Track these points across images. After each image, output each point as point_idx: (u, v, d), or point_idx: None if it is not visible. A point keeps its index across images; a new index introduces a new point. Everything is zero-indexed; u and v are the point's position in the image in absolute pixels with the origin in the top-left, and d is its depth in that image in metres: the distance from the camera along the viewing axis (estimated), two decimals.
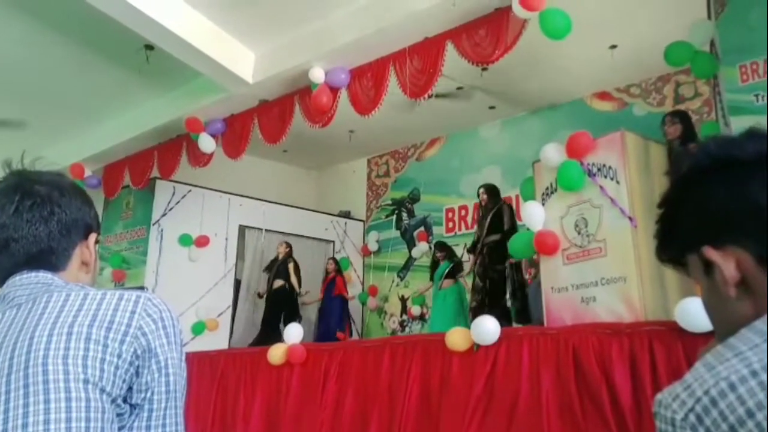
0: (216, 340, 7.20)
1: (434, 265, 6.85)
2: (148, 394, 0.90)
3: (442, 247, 6.78)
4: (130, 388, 0.89)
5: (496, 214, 5.84)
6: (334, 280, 7.76)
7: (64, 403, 0.83)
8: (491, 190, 6.04)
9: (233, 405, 5.43)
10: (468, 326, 4.06)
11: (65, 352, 0.86)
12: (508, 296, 5.83)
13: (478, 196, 6.10)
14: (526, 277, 6.01)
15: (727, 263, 0.69)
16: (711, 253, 0.70)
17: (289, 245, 7.74)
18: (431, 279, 6.87)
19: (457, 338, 3.99)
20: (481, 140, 8.16)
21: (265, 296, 7.68)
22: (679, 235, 0.76)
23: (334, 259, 8.08)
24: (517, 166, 7.06)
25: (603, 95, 7.06)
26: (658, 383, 3.11)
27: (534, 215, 4.30)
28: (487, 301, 5.58)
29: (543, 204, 4.32)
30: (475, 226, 6.39)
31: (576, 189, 4.10)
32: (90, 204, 1.08)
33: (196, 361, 6.04)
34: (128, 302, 0.93)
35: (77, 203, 1.04)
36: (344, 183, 9.66)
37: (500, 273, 5.72)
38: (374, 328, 8.60)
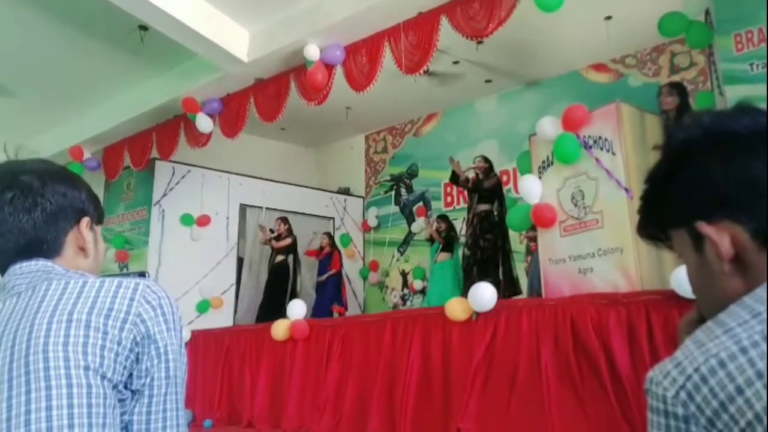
0: (220, 318, 7.25)
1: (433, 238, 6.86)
2: (148, 380, 0.90)
3: (443, 219, 6.78)
4: (130, 375, 0.90)
5: (492, 188, 5.85)
6: (330, 255, 7.75)
7: (65, 389, 0.83)
8: (488, 162, 6.06)
9: (239, 381, 5.50)
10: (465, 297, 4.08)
11: (65, 339, 0.86)
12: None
13: (474, 161, 6.10)
14: (530, 244, 6.02)
15: (722, 238, 0.68)
16: (705, 228, 0.69)
17: (287, 221, 7.73)
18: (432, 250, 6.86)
19: (456, 308, 4.02)
20: (478, 114, 8.11)
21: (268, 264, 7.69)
22: (668, 210, 0.75)
23: (328, 234, 8.08)
24: (514, 139, 7.03)
25: (598, 67, 7.00)
26: (656, 351, 3.15)
27: (531, 188, 4.30)
28: (476, 271, 5.60)
29: (540, 177, 4.33)
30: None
31: (572, 161, 4.10)
32: (80, 187, 1.05)
33: (202, 339, 6.10)
34: (127, 289, 0.92)
35: (62, 189, 1.01)
36: (343, 160, 9.63)
37: (490, 242, 5.74)
38: (375, 303, 8.65)
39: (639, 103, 4.27)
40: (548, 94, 7.21)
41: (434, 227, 6.65)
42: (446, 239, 6.52)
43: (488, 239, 5.74)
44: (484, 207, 5.85)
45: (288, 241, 7.60)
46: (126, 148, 7.19)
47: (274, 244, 7.58)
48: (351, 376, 4.58)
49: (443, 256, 6.49)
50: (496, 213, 5.80)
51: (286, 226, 7.67)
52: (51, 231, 0.99)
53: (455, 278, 6.29)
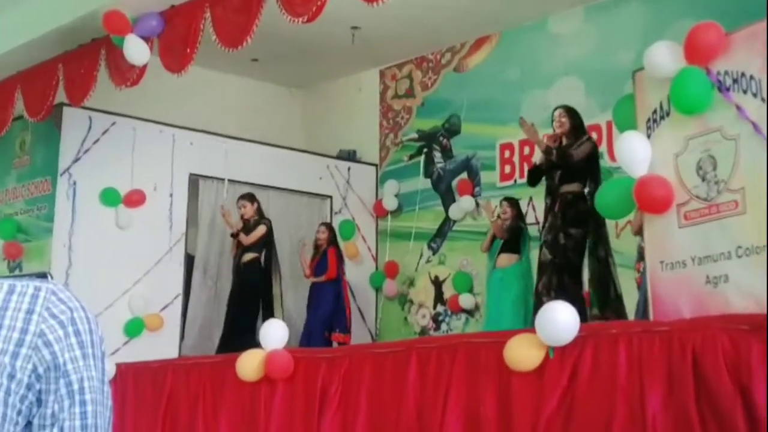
0: (160, 345, 7.31)
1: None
2: (55, 431, 0.92)
3: (511, 203, 6.77)
4: (28, 423, 0.91)
5: (585, 158, 5.78)
6: (325, 254, 7.82)
7: None
8: (575, 118, 5.99)
9: None
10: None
11: None
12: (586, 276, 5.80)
13: (552, 119, 6.03)
14: (636, 275, 5.92)
15: None
16: None
17: (253, 198, 7.78)
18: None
19: (519, 349, 3.99)
20: (553, 38, 8.07)
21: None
22: None
23: (326, 224, 8.11)
24: (609, 77, 6.99)
25: None
26: None
27: (635, 153, 4.27)
28: (554, 282, 5.58)
29: (648, 135, 4.30)
30: (537, 156, 6.27)
31: (699, 111, 4.07)
32: None
33: (132, 376, 6.16)
34: (22, 297, 0.93)
35: None
36: (345, 107, 9.65)
37: (576, 240, 5.72)
38: (394, 325, 8.70)
39: None
40: (662, 7, 7.16)
41: (496, 215, 6.62)
42: (512, 233, 6.50)
43: (572, 235, 5.72)
44: (570, 187, 5.82)
45: (262, 231, 7.63)
46: (18, 88, 7.24)
47: (243, 239, 7.60)
48: None
49: (507, 259, 6.49)
50: (589, 196, 5.69)
51: (254, 206, 7.69)
52: None
53: (524, 293, 6.26)
